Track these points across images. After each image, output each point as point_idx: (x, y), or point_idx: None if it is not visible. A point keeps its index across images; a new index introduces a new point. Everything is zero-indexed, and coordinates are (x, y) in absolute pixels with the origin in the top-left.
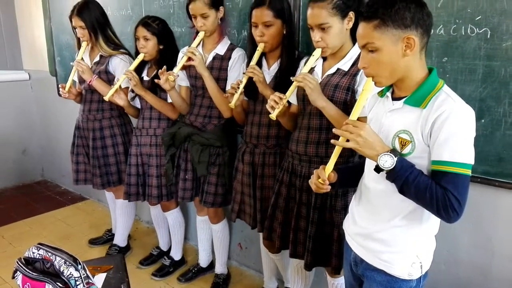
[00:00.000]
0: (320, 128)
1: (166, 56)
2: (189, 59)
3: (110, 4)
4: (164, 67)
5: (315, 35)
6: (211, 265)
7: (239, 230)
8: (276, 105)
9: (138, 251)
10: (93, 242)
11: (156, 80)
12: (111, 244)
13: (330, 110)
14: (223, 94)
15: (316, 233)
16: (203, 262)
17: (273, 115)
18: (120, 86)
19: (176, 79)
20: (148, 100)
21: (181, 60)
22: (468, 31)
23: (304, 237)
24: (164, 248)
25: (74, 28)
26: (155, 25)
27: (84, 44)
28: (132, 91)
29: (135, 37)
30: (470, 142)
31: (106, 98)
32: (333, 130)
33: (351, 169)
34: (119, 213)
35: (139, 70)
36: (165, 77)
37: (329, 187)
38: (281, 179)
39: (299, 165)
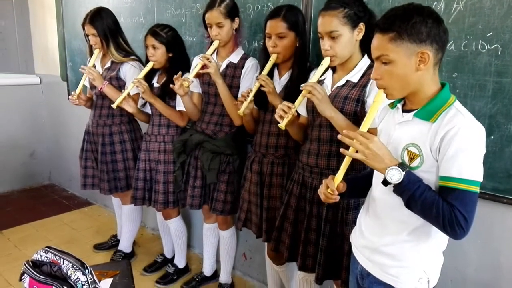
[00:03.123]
0: (331, 140)
1: (176, 63)
2: (204, 66)
3: (122, 12)
4: (180, 72)
5: (325, 44)
6: (215, 274)
7: (244, 239)
8: (285, 115)
9: (143, 257)
10: (98, 247)
11: (171, 86)
12: (116, 249)
13: (338, 120)
14: (235, 101)
15: (327, 246)
16: (207, 270)
17: (282, 125)
18: (129, 94)
19: (190, 85)
20: (157, 107)
21: (196, 66)
22: (479, 47)
23: (314, 250)
24: (168, 255)
25: (86, 35)
26: (164, 33)
27: (96, 51)
28: (142, 97)
29: (145, 46)
30: (479, 159)
31: (114, 106)
32: (338, 136)
33: (360, 179)
34: (125, 219)
35: (149, 77)
36: (179, 82)
37: (338, 197)
38: (291, 190)
39: (310, 177)
